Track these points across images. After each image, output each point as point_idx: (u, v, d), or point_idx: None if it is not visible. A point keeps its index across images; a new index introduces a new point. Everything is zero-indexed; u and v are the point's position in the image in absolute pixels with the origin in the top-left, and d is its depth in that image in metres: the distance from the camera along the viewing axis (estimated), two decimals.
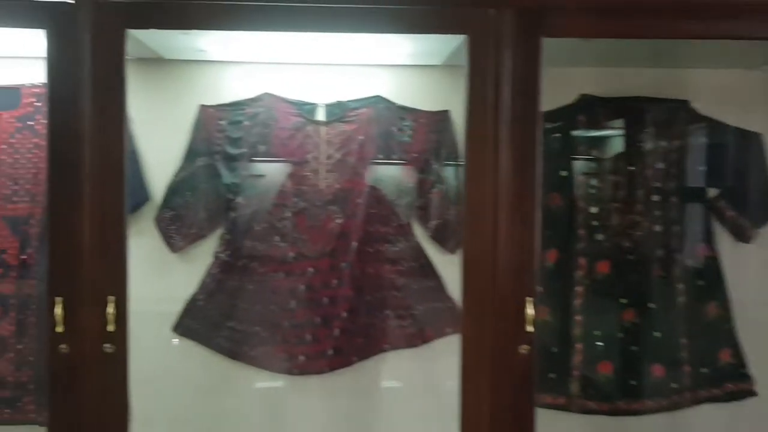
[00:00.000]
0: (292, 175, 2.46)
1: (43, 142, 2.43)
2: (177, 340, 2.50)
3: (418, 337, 2.51)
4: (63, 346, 1.84)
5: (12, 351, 2.44)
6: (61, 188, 1.85)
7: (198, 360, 2.49)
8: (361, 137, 2.47)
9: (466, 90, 1.85)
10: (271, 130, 2.45)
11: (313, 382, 2.48)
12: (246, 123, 2.46)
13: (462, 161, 2.46)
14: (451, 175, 2.48)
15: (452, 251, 2.49)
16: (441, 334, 2.51)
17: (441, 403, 2.40)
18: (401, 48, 2.29)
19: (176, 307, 2.49)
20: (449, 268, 2.48)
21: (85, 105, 1.84)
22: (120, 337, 1.87)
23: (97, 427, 1.86)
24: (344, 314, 2.45)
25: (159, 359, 2.43)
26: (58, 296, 1.84)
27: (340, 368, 2.48)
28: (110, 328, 1.84)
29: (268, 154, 2.46)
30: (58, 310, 1.84)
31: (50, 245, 1.87)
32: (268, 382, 2.50)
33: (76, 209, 1.85)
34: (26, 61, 2.42)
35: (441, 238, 2.51)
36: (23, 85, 2.45)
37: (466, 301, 1.88)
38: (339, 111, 2.48)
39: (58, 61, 1.85)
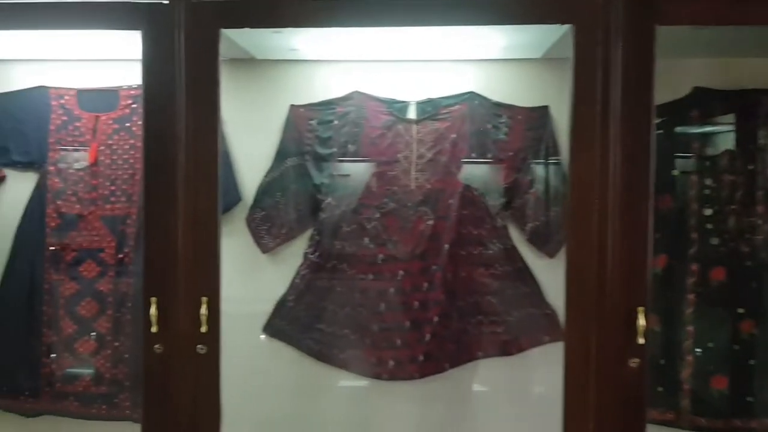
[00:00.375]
0: (382, 175, 2.40)
1: (140, 143, 2.49)
2: (263, 336, 2.49)
3: (513, 345, 2.39)
4: (157, 346, 1.85)
5: (109, 348, 2.49)
6: (156, 189, 1.86)
7: (287, 361, 2.47)
8: (453, 135, 2.38)
9: (572, 84, 1.73)
10: (361, 129, 2.40)
11: (402, 387, 2.42)
12: (336, 122, 2.42)
13: (561, 160, 2.34)
14: (549, 174, 2.35)
15: (551, 255, 2.37)
16: (537, 342, 2.38)
17: (537, 415, 2.28)
18: (495, 41, 2.19)
19: (266, 308, 2.48)
20: (548, 272, 2.36)
21: (180, 105, 1.84)
22: (212, 338, 1.87)
23: (190, 427, 1.87)
24: (435, 319, 2.37)
25: (248, 360, 2.43)
26: (153, 296, 1.86)
27: (431, 375, 2.40)
28: (203, 329, 1.84)
29: (358, 153, 2.41)
30: (153, 311, 1.85)
31: (145, 246, 1.88)
32: (356, 386, 2.46)
33: (171, 210, 1.85)
34: (124, 63, 2.48)
35: (538, 241, 2.39)
36: (121, 87, 2.51)
37: (570, 309, 1.76)
38: (431, 108, 2.40)
39: (153, 62, 1.86)
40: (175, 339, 1.86)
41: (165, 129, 1.85)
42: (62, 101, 2.51)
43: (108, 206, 2.50)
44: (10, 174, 2.54)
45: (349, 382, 2.45)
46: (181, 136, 1.84)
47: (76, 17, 1.89)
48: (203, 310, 1.84)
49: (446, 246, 2.36)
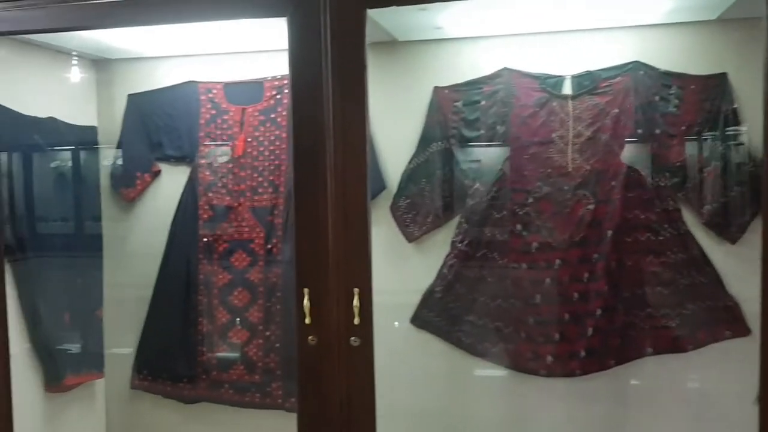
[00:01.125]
0: (534, 157, 2.24)
1: (285, 134, 2.50)
2: (397, 323, 2.42)
3: (687, 341, 2.16)
4: (311, 337, 1.82)
5: (261, 337, 2.52)
6: (306, 178, 1.82)
7: (436, 354, 2.38)
8: (615, 110, 2.17)
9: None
10: (510, 109, 2.25)
11: (561, 384, 2.26)
12: (483, 103, 2.29)
13: (743, 133, 2.07)
14: (729, 150, 2.08)
15: (732, 241, 2.10)
16: (717, 337, 2.14)
17: (716, 419, 2.05)
18: (660, 4, 1.97)
19: (413, 299, 2.40)
20: (728, 260, 2.11)
21: (327, 92, 1.79)
22: (365, 329, 1.81)
23: (345, 419, 1.83)
24: (598, 312, 2.18)
25: (397, 351, 2.36)
26: (305, 287, 1.83)
27: (594, 372, 2.22)
28: (356, 320, 1.79)
29: (507, 134, 2.26)
30: (306, 302, 1.82)
31: (296, 236, 1.85)
32: (510, 382, 2.33)
33: (321, 199, 1.81)
34: (267, 54, 2.48)
35: (717, 225, 2.13)
36: (265, 78, 2.51)
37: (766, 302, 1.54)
38: (589, 82, 2.21)
39: (299, 48, 1.81)
40: (328, 330, 1.82)
41: (313, 117, 1.81)
42: (210, 95, 2.56)
43: (256, 197, 2.52)
44: (165, 168, 2.63)
45: (503, 377, 2.33)
46: (328, 124, 1.79)
47: (224, 8, 1.89)
48: (355, 301, 1.78)
49: (609, 232, 2.17)
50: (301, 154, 1.83)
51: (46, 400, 2.42)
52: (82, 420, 2.62)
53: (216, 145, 2.54)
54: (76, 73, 2.59)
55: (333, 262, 1.81)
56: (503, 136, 2.26)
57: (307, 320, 1.82)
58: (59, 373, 2.40)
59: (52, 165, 2.45)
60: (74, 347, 2.50)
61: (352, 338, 1.80)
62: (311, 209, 1.82)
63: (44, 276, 2.35)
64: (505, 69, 2.27)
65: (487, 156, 2.30)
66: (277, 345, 2.50)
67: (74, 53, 2.55)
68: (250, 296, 2.53)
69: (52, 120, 2.42)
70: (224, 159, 2.54)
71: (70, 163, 2.53)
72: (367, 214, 1.81)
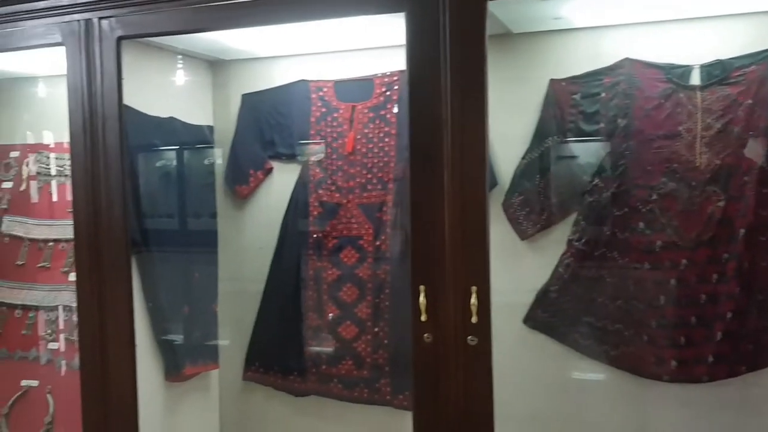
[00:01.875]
0: (659, 151, 2.12)
1: (393, 131, 2.49)
2: None
3: None
4: (427, 335, 1.81)
5: (369, 333, 2.54)
6: (422, 174, 1.81)
7: (551, 355, 2.31)
8: (749, 101, 2.03)
9: None
10: (633, 101, 2.15)
11: (686, 390, 2.14)
12: (603, 95, 2.19)
13: None
14: None
15: None
16: None
17: None
18: None
19: (526, 299, 2.34)
20: None
21: (445, 87, 1.77)
22: (483, 329, 1.78)
23: (462, 419, 1.80)
24: (728, 315, 2.05)
25: (508, 352, 2.30)
26: (422, 285, 1.81)
27: (722, 378, 2.09)
28: (474, 319, 1.76)
29: (629, 128, 2.16)
30: (422, 299, 1.80)
31: (412, 232, 1.84)
32: (631, 387, 2.22)
33: (437, 196, 1.79)
34: (378, 51, 2.49)
35: None
36: (375, 75, 2.52)
37: None
38: (719, 72, 2.07)
39: (417, 43, 1.80)
40: (444, 329, 1.80)
41: (430, 113, 1.79)
42: (321, 93, 2.59)
43: (365, 194, 2.53)
44: (276, 166, 2.69)
45: (622, 381, 2.23)
46: (446, 120, 1.77)
47: (342, 5, 1.90)
48: (473, 299, 1.75)
49: (741, 231, 2.03)
50: (417, 149, 1.82)
51: (166, 389, 2.52)
52: (198, 409, 2.72)
53: (326, 142, 2.57)
54: (193, 75, 2.68)
55: (450, 260, 1.79)
56: (625, 130, 2.16)
57: (423, 318, 1.80)
58: (179, 363, 2.50)
59: (172, 164, 2.55)
60: (192, 339, 2.59)
61: (470, 337, 1.77)
62: (427, 205, 1.81)
63: (165, 270, 2.46)
64: (627, 59, 2.16)
65: (607, 150, 2.20)
66: (386, 341, 2.51)
67: (192, 55, 2.64)
68: (359, 292, 2.55)
69: (172, 120, 2.52)
70: (320, 156, 2.57)
71: (188, 162, 2.63)
72: (485, 211, 1.78)
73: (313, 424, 2.67)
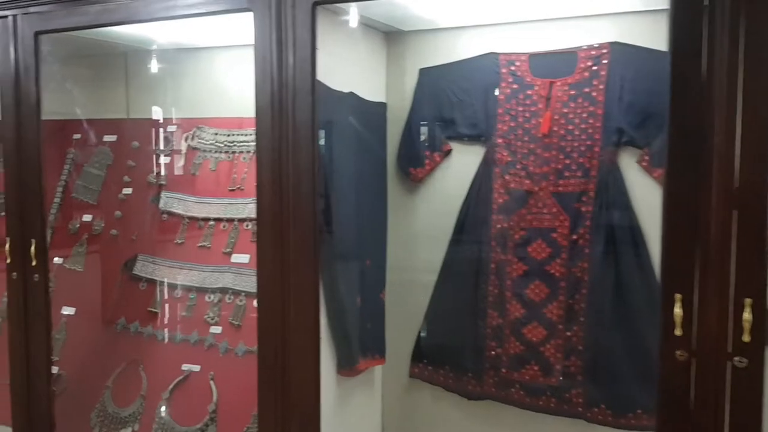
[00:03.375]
0: None
1: (600, 111, 2.21)
2: None
3: None
4: (680, 352, 1.54)
5: (560, 337, 2.28)
6: (682, 164, 1.53)
7: None
8: None
9: None
10: None
11: None
12: None
13: None
14: None
15: None
16: None
17: None
18: None
19: None
20: None
21: (721, 59, 1.48)
22: (756, 350, 1.49)
23: None
24: None
25: None
26: (677, 293, 1.54)
27: None
28: (745, 338, 1.48)
29: None
30: (677, 310, 1.53)
31: (665, 231, 1.57)
32: None
33: (702, 189, 1.51)
34: (584, 20, 2.21)
35: None
36: (580, 47, 2.23)
37: None
38: None
39: (681, 11, 1.52)
40: (704, 346, 1.53)
41: (697, 91, 1.51)
42: (513, 68, 2.34)
43: (561, 181, 2.26)
44: (456, 147, 2.46)
45: None
46: (719, 99, 1.49)
47: None
48: (746, 314, 1.47)
49: None
50: (677, 133, 1.54)
51: (337, 382, 2.36)
52: (361, 405, 2.56)
53: (517, 122, 2.32)
54: (369, 46, 2.48)
55: (716, 265, 1.51)
56: None
57: (678, 332, 1.54)
58: (353, 356, 2.33)
59: (349, 143, 2.36)
60: (364, 330, 2.41)
61: (738, 358, 1.49)
62: (687, 199, 1.53)
63: (342, 255, 2.28)
64: None
65: None
66: (580, 347, 2.25)
67: (369, 24, 2.44)
68: (549, 291, 2.29)
69: (352, 95, 2.33)
70: (525, 138, 2.31)
71: (363, 142, 2.44)
72: (765, 208, 1.48)
73: (488, 431, 2.45)
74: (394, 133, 2.55)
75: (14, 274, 2.50)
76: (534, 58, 2.31)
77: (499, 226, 2.35)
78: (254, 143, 2.72)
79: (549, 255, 2.29)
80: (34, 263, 2.47)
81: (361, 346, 2.39)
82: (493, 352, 2.38)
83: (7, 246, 2.49)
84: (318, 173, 1.99)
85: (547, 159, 2.27)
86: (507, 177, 2.33)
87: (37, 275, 2.49)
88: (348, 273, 2.30)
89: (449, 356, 2.47)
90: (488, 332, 2.38)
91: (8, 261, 2.50)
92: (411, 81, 2.51)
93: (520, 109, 2.31)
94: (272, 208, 2.04)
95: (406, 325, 2.55)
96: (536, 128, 2.29)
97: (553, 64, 2.28)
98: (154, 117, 3.01)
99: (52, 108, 2.72)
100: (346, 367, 2.33)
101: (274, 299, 2.05)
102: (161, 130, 2.96)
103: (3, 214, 2.62)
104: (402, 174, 2.54)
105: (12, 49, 2.50)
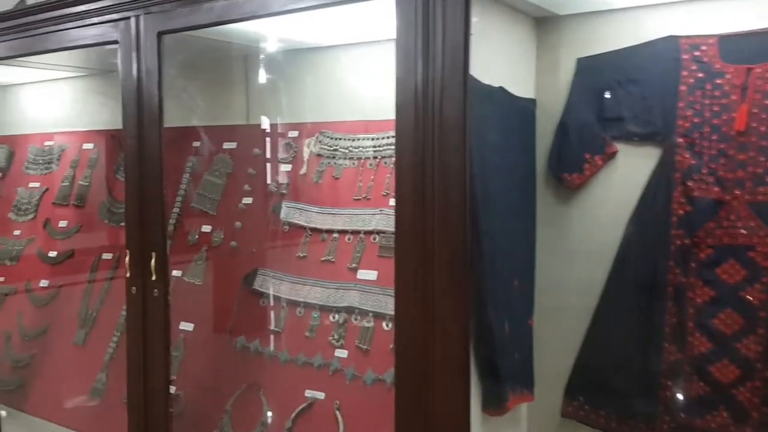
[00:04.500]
0: None
1: None
2: None
3: None
4: None
5: (758, 378, 1.86)
6: None
7: None
8: None
9: None
10: None
11: None
12: None
13: None
14: None
15: None
16: None
17: None
18: None
19: None
20: None
21: None
22: None
23: None
24: None
25: None
26: None
27: None
28: None
29: None
30: None
31: None
32: None
33: None
34: None
35: None
36: None
37: None
38: None
39: None
40: None
41: None
42: (697, 53, 1.95)
43: (760, 189, 1.85)
44: (622, 149, 2.10)
45: None
46: None
47: None
48: None
49: None
50: None
51: (481, 422, 2.04)
52: None
53: (703, 118, 1.93)
54: (516, 34, 2.17)
55: None
56: None
57: None
58: (502, 393, 2.00)
59: (496, 145, 2.05)
60: (513, 362, 2.09)
61: None
62: None
63: (488, 274, 1.97)
64: None
65: None
66: None
67: (516, 7, 2.12)
68: (744, 321, 1.88)
69: (501, 91, 2.03)
70: (712, 137, 1.92)
71: (511, 143, 2.13)
72: None
73: None
74: (544, 134, 2.22)
75: (133, 288, 2.36)
76: (724, 40, 1.91)
77: (679, 242, 1.96)
78: (382, 149, 2.53)
79: (744, 278, 1.88)
80: (153, 277, 2.32)
81: (511, 380, 2.06)
82: (668, 393, 1.99)
83: (127, 259, 2.35)
84: (470, 179, 1.70)
85: (742, 162, 1.87)
86: (690, 184, 1.94)
87: (156, 290, 2.34)
88: (497, 295, 1.98)
89: (612, 394, 2.09)
90: (663, 369, 1.99)
91: (128, 275, 2.37)
92: (567, 73, 2.17)
93: (707, 101, 1.92)
94: (413, 220, 1.77)
95: (558, 356, 2.20)
96: (728, 124, 1.89)
97: (749, 47, 1.87)
98: (270, 123, 2.85)
99: (172, 114, 2.60)
100: (495, 405, 2.01)
101: (414, 326, 1.77)
102: (282, 136, 2.78)
103: (123, 224, 2.50)
104: (555, 180, 2.20)
105: (134, 53, 2.38)
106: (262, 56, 2.92)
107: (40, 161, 3.52)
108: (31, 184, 3.53)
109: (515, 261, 2.14)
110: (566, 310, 2.21)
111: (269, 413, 2.46)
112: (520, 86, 2.17)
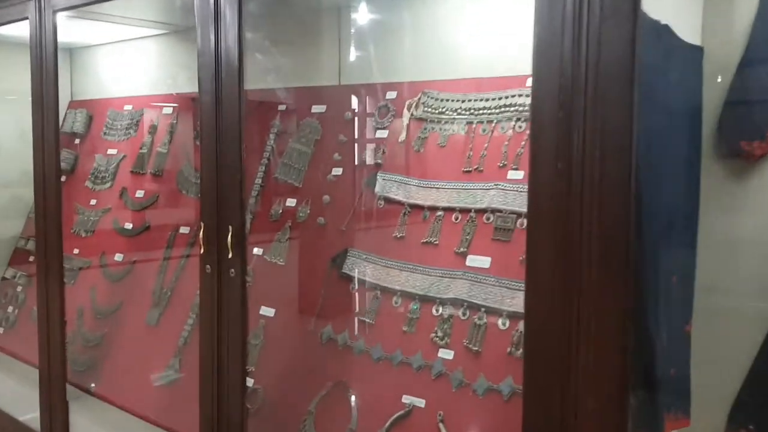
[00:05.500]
0: None
1: None
2: None
3: None
4: None
5: None
6: None
7: None
8: None
9: None
10: None
11: None
12: None
13: None
14: None
15: None
16: None
17: None
18: None
19: None
20: None
21: None
22: None
23: None
24: None
25: None
26: None
27: None
28: None
29: None
30: None
31: None
32: None
33: None
34: None
35: None
36: None
37: None
38: None
39: None
40: None
41: None
42: None
43: None
44: None
45: None
46: None
47: None
48: None
49: None
50: None
51: None
52: None
53: None
54: None
55: None
56: None
57: None
58: (657, 415, 1.58)
59: (659, 102, 1.61)
60: (667, 378, 1.66)
61: None
62: None
63: (647, 267, 1.54)
64: None
65: None
66: None
67: None
68: None
69: (667, 30, 1.58)
70: None
71: (675, 101, 1.67)
72: None
73: None
74: (712, 91, 1.75)
75: (208, 266, 2.07)
76: None
77: None
78: (498, 111, 2.13)
79: None
80: (230, 255, 2.02)
81: (666, 400, 1.63)
82: None
83: (201, 233, 2.06)
84: (636, 143, 1.27)
85: None
86: None
87: (233, 269, 2.03)
88: (655, 295, 1.55)
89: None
90: None
91: (202, 251, 2.07)
92: (745, 15, 1.70)
93: None
94: (553, 195, 1.36)
95: (721, 371, 1.76)
96: None
97: None
98: (364, 84, 2.49)
99: (255, 76, 2.29)
100: (650, 429, 1.59)
101: (551, 333, 1.37)
102: (378, 97, 2.42)
103: (199, 196, 2.21)
104: (727, 150, 1.73)
105: (212, 4, 2.07)
106: (357, 9, 2.57)
107: (119, 126, 3.31)
108: (110, 151, 3.33)
109: (675, 252, 1.70)
110: (732, 314, 1.75)
111: (355, 415, 2.13)
112: (685, 29, 1.72)
